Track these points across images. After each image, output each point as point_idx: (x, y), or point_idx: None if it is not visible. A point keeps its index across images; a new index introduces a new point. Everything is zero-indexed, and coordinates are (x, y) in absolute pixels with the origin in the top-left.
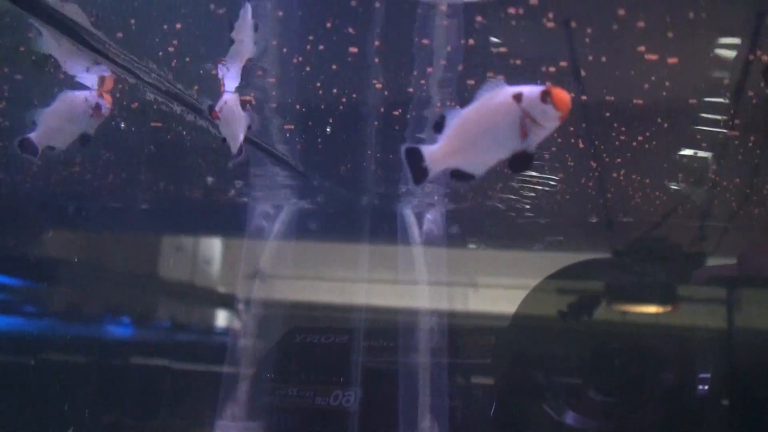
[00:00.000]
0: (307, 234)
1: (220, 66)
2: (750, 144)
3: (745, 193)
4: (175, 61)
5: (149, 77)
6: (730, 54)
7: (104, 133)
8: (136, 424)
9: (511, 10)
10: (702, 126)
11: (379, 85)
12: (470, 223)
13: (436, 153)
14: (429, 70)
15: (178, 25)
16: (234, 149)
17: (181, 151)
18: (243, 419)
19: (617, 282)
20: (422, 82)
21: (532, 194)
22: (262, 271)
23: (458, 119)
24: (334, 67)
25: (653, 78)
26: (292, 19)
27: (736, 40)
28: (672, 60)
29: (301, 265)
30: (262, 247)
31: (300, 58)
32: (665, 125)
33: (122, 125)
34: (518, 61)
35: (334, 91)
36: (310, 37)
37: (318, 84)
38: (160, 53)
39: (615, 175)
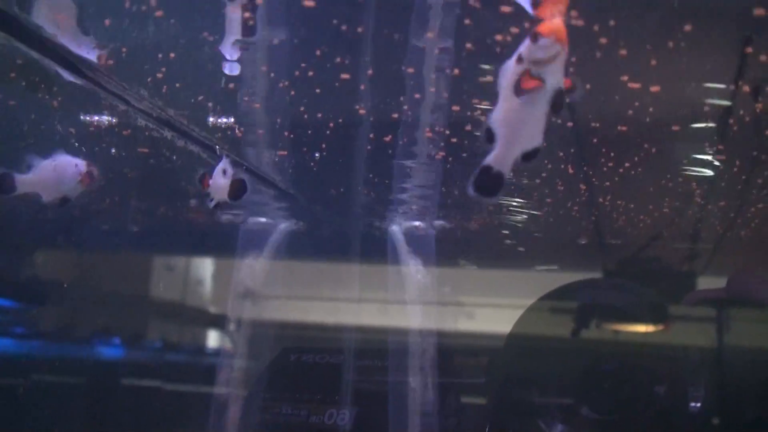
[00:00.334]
0: (299, 254)
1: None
2: (735, 169)
3: (731, 217)
4: (165, 87)
5: (141, 104)
6: (713, 82)
7: (96, 158)
8: None
9: (498, 37)
10: (687, 151)
11: (362, 111)
12: (461, 242)
13: (498, 156)
14: (417, 96)
15: (172, 54)
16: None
17: (171, 174)
18: None
19: (613, 302)
20: (405, 107)
21: (524, 216)
22: (253, 291)
23: (493, 121)
24: (318, 91)
25: (637, 104)
26: (281, 44)
27: (718, 69)
28: (654, 88)
29: (292, 285)
30: (254, 267)
31: (287, 83)
32: (652, 150)
33: (113, 151)
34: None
35: (320, 115)
36: (301, 64)
37: (305, 108)
38: (149, 79)
39: (601, 200)
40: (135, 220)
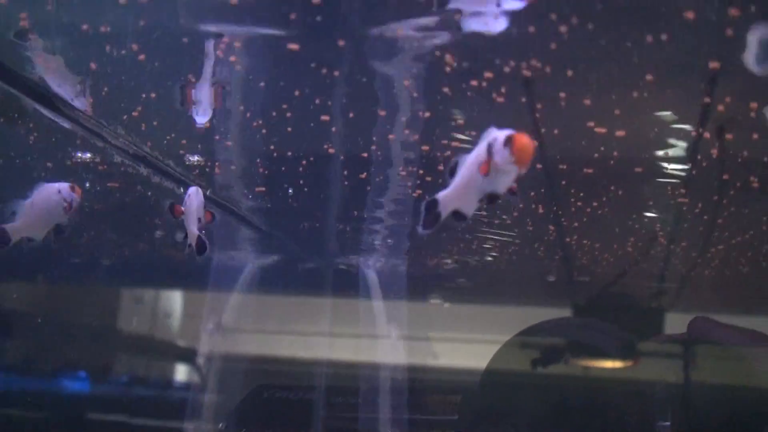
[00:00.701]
0: (271, 288)
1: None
2: (696, 211)
3: (692, 257)
4: (143, 124)
5: (117, 141)
6: (676, 127)
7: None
8: None
9: (474, 83)
10: (651, 194)
11: (333, 150)
12: (432, 278)
13: (446, 197)
14: (391, 137)
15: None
16: (191, 240)
17: (144, 208)
18: None
19: (587, 340)
20: (376, 147)
21: (494, 253)
22: (224, 325)
23: (461, 165)
24: (289, 129)
25: (602, 149)
26: (256, 83)
27: (680, 116)
28: (620, 133)
29: (264, 319)
30: (225, 301)
31: (260, 121)
32: (618, 192)
33: (87, 185)
34: (473, 132)
35: (294, 152)
36: (276, 103)
37: (279, 146)
38: (125, 117)
39: (568, 239)
40: (106, 253)
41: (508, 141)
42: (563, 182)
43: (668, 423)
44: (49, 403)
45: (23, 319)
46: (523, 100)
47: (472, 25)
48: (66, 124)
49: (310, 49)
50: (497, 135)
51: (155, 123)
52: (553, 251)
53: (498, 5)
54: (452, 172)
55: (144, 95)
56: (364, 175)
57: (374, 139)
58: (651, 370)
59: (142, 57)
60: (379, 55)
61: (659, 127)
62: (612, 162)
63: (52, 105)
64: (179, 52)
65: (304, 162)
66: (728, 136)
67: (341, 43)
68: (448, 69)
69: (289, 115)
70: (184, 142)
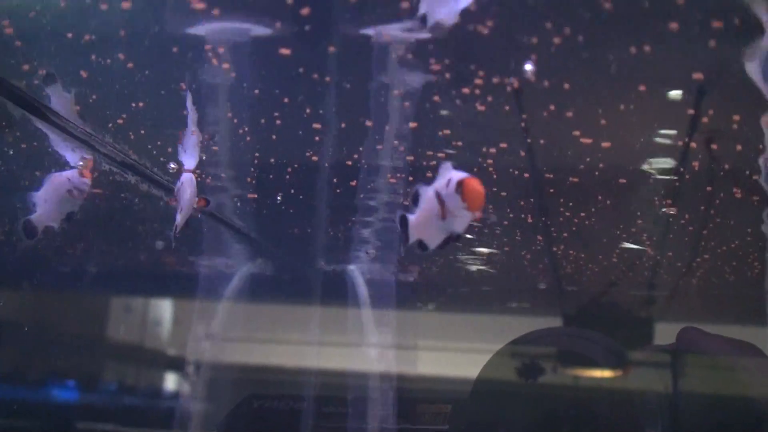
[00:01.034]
0: (259, 297)
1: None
2: (682, 221)
3: (677, 266)
4: (131, 133)
5: (105, 149)
6: (662, 138)
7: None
8: None
9: (466, 90)
10: (638, 204)
11: (324, 157)
12: (421, 286)
13: (412, 223)
14: (379, 147)
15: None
16: (178, 223)
17: (132, 216)
18: None
19: (580, 349)
20: (366, 154)
21: (484, 261)
22: (213, 333)
23: (422, 194)
24: (273, 137)
25: (588, 159)
26: (245, 89)
27: (667, 127)
28: (605, 144)
29: (253, 327)
30: (214, 309)
31: (246, 128)
32: (606, 202)
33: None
34: (459, 143)
35: (282, 159)
36: (264, 109)
37: (267, 153)
38: (110, 125)
39: (555, 249)
40: (94, 261)
41: (459, 186)
42: (551, 192)
43: None
44: (37, 413)
45: (10, 328)
46: (508, 108)
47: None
48: (54, 132)
49: (298, 56)
50: (451, 176)
51: (142, 131)
52: (542, 260)
53: None
54: (414, 200)
55: (133, 104)
56: (353, 183)
57: (363, 147)
58: (641, 380)
59: (130, 65)
60: (367, 62)
61: (646, 137)
62: (599, 172)
63: (40, 113)
64: (166, 59)
65: (289, 169)
66: (714, 146)
67: (330, 49)
68: (435, 78)
69: (277, 121)
70: (170, 150)
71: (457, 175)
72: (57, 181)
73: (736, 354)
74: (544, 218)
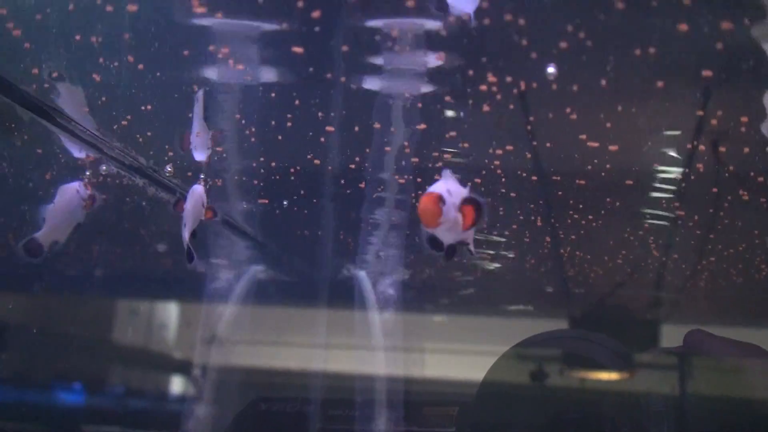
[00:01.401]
0: (266, 300)
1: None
2: (690, 224)
3: (682, 268)
4: (139, 137)
5: (113, 152)
6: (670, 140)
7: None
8: None
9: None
10: (646, 206)
11: (331, 160)
12: (428, 289)
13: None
14: (387, 149)
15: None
16: (185, 239)
17: (139, 219)
18: None
19: (584, 352)
20: (373, 157)
21: (492, 264)
22: (219, 336)
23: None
24: (279, 137)
25: (596, 161)
26: (253, 91)
27: (675, 128)
28: (613, 147)
29: (259, 331)
30: (220, 312)
31: (253, 129)
32: (616, 204)
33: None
34: (466, 144)
35: (288, 163)
36: (274, 112)
37: (274, 156)
38: (115, 127)
39: (562, 251)
40: (100, 264)
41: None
42: (560, 194)
43: None
44: (43, 416)
45: (17, 331)
46: (521, 113)
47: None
48: (63, 136)
49: (307, 55)
50: (450, 188)
51: (149, 133)
52: (548, 263)
53: None
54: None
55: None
56: (362, 185)
57: (371, 149)
58: (647, 383)
59: (141, 67)
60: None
61: (653, 140)
62: (607, 174)
63: (48, 116)
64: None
65: (293, 171)
66: (721, 148)
67: (339, 49)
68: (443, 80)
69: (284, 122)
70: (171, 153)
71: (456, 190)
72: (67, 193)
73: (743, 356)
74: (552, 220)
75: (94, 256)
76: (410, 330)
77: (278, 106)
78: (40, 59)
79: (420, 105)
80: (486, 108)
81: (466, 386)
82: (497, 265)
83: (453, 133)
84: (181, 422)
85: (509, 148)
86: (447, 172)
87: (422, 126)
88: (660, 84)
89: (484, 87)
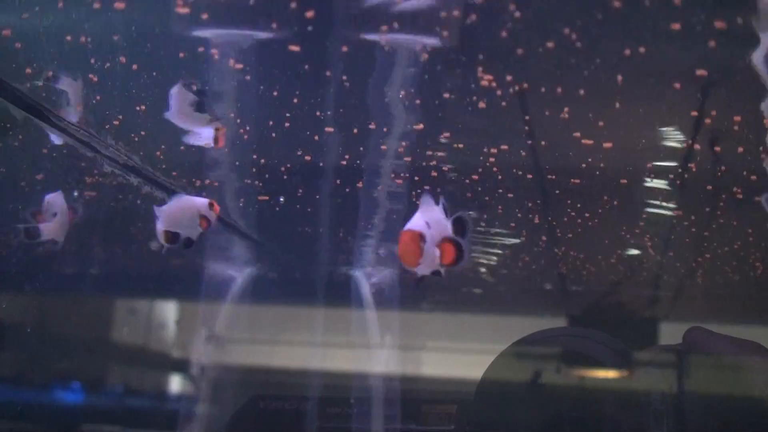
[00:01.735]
0: (264, 298)
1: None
2: (686, 223)
3: (684, 267)
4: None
5: (107, 151)
6: (666, 138)
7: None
8: None
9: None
10: (643, 205)
11: (327, 158)
12: (426, 287)
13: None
14: (383, 148)
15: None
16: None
17: (135, 217)
18: None
19: (583, 349)
20: (370, 156)
21: (490, 261)
22: (217, 335)
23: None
24: (273, 135)
25: (590, 160)
26: (249, 86)
27: (671, 126)
28: (607, 144)
29: (257, 329)
30: (218, 311)
31: (247, 127)
32: (614, 203)
33: (75, 194)
34: (461, 145)
35: (285, 160)
36: (270, 109)
37: (271, 153)
38: (106, 126)
39: (557, 250)
40: (96, 263)
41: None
42: (557, 192)
43: None
44: (42, 415)
45: (14, 330)
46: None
47: None
48: (57, 135)
49: (304, 54)
50: (435, 218)
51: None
52: (546, 261)
53: None
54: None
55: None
56: (360, 184)
57: (368, 147)
58: (646, 380)
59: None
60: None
61: (648, 138)
62: (604, 173)
63: (41, 115)
64: (170, 60)
65: (293, 170)
66: (717, 148)
67: (336, 49)
68: (438, 78)
69: (281, 120)
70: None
71: (437, 219)
72: (185, 203)
73: (742, 354)
74: (549, 218)
75: (92, 255)
76: (408, 328)
77: (274, 101)
78: (33, 59)
79: (418, 101)
80: (482, 105)
81: (464, 384)
82: (495, 262)
83: (448, 134)
84: (179, 421)
85: (504, 147)
86: (427, 198)
87: (420, 126)
88: (658, 84)
89: (485, 83)
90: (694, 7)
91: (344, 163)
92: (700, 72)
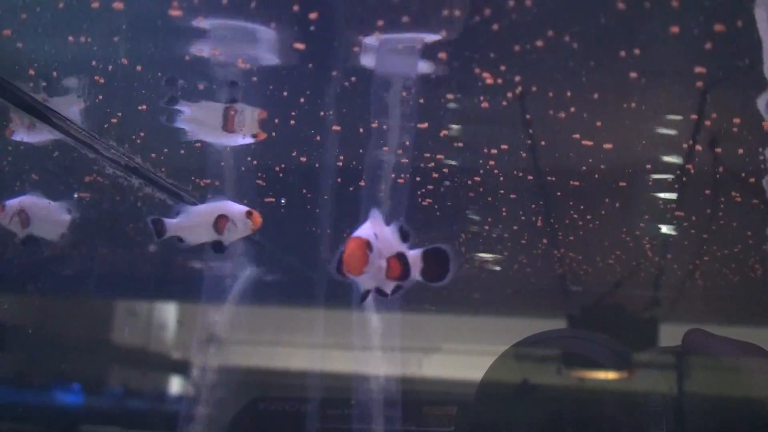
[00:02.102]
0: (263, 300)
1: None
2: (686, 224)
3: (684, 269)
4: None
5: (108, 152)
6: (667, 140)
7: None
8: None
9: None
10: (642, 206)
11: (328, 158)
12: (427, 288)
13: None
14: (385, 149)
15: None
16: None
17: (134, 218)
18: None
19: (583, 351)
20: (372, 156)
21: (490, 263)
22: (217, 336)
23: None
24: (273, 134)
25: (590, 161)
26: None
27: (672, 128)
28: (607, 145)
29: (257, 330)
30: (218, 312)
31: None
32: (615, 205)
33: (75, 195)
34: (461, 144)
35: (286, 162)
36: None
37: (273, 155)
38: (105, 125)
39: (556, 252)
40: (97, 264)
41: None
42: (557, 194)
43: None
44: (41, 416)
45: (15, 332)
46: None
47: None
48: (57, 135)
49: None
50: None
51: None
52: (546, 262)
53: None
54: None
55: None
56: (362, 183)
57: (368, 148)
58: (646, 382)
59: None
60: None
61: (649, 140)
62: (604, 174)
63: (43, 117)
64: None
65: (277, 169)
66: (717, 150)
67: (338, 49)
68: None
69: (282, 121)
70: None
71: (383, 233)
72: (225, 208)
73: (741, 355)
74: (550, 220)
75: (92, 256)
76: (408, 329)
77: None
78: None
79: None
80: (483, 104)
81: (464, 386)
82: (495, 264)
83: (446, 132)
84: (179, 422)
85: (504, 147)
86: (375, 212)
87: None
88: (657, 83)
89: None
90: (693, 10)
91: (344, 162)
92: (699, 70)
